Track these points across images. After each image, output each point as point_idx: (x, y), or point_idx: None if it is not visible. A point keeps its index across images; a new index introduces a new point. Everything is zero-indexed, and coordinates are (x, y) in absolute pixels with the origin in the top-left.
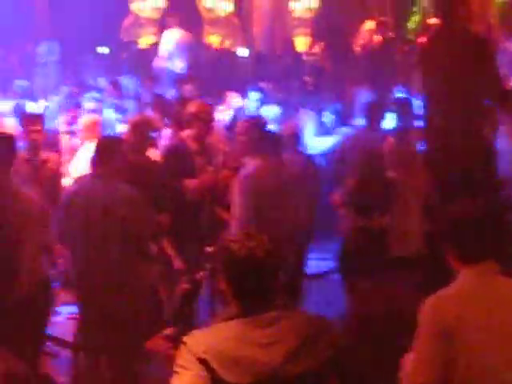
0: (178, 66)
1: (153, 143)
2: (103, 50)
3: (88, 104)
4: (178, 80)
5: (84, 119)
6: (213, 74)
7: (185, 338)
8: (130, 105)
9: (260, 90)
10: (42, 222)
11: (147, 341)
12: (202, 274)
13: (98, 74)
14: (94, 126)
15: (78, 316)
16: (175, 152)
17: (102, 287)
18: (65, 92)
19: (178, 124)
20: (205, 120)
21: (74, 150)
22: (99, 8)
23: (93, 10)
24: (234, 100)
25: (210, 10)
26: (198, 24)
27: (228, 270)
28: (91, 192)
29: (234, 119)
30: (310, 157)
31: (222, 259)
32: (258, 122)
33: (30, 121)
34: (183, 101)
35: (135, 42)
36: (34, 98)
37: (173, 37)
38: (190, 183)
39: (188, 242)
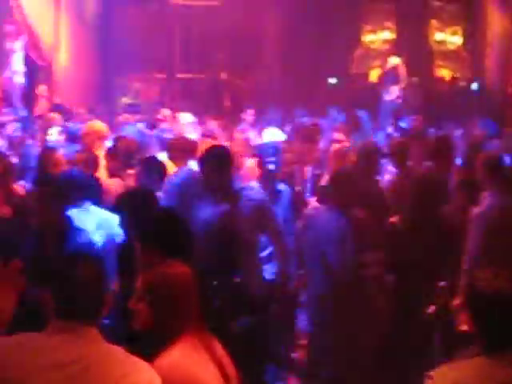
0: (393, 94)
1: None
2: (333, 80)
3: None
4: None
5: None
6: (442, 106)
7: (432, 373)
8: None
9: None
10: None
11: None
12: (432, 308)
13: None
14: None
15: (310, 341)
16: (428, 181)
17: (337, 313)
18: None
19: (400, 156)
20: (445, 153)
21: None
22: (331, 39)
23: (324, 41)
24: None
25: (440, 43)
26: (427, 56)
27: (473, 308)
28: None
29: (468, 153)
30: None
31: (467, 296)
32: (494, 158)
33: (268, 152)
34: (406, 133)
35: (365, 75)
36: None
37: (392, 63)
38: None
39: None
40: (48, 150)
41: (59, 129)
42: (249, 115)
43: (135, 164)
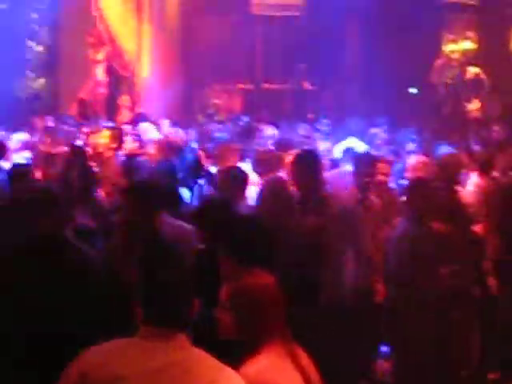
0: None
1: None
2: (413, 90)
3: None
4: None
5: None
6: None
7: None
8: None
9: None
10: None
11: None
12: None
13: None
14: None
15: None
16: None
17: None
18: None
19: (485, 166)
20: None
21: None
22: (412, 48)
23: (405, 50)
24: None
25: None
26: (508, 66)
27: None
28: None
29: None
30: None
31: None
32: None
33: (363, 163)
34: (491, 142)
35: (445, 84)
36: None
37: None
38: None
39: None
40: (130, 158)
41: (133, 137)
42: (324, 125)
43: (203, 175)
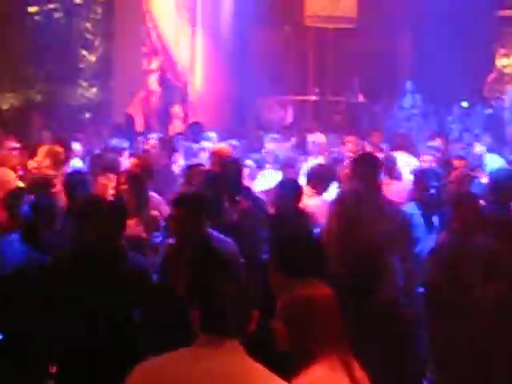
0: None
1: None
2: (464, 104)
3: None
4: None
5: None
6: None
7: None
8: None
9: None
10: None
11: None
12: None
13: (461, 128)
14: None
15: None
16: None
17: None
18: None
19: None
20: None
21: None
22: (463, 62)
23: (456, 64)
24: None
25: None
26: None
27: None
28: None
29: None
30: None
31: None
32: None
33: (429, 177)
34: None
35: (498, 99)
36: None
37: None
38: None
39: None
40: (187, 168)
41: (186, 147)
42: (376, 138)
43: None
